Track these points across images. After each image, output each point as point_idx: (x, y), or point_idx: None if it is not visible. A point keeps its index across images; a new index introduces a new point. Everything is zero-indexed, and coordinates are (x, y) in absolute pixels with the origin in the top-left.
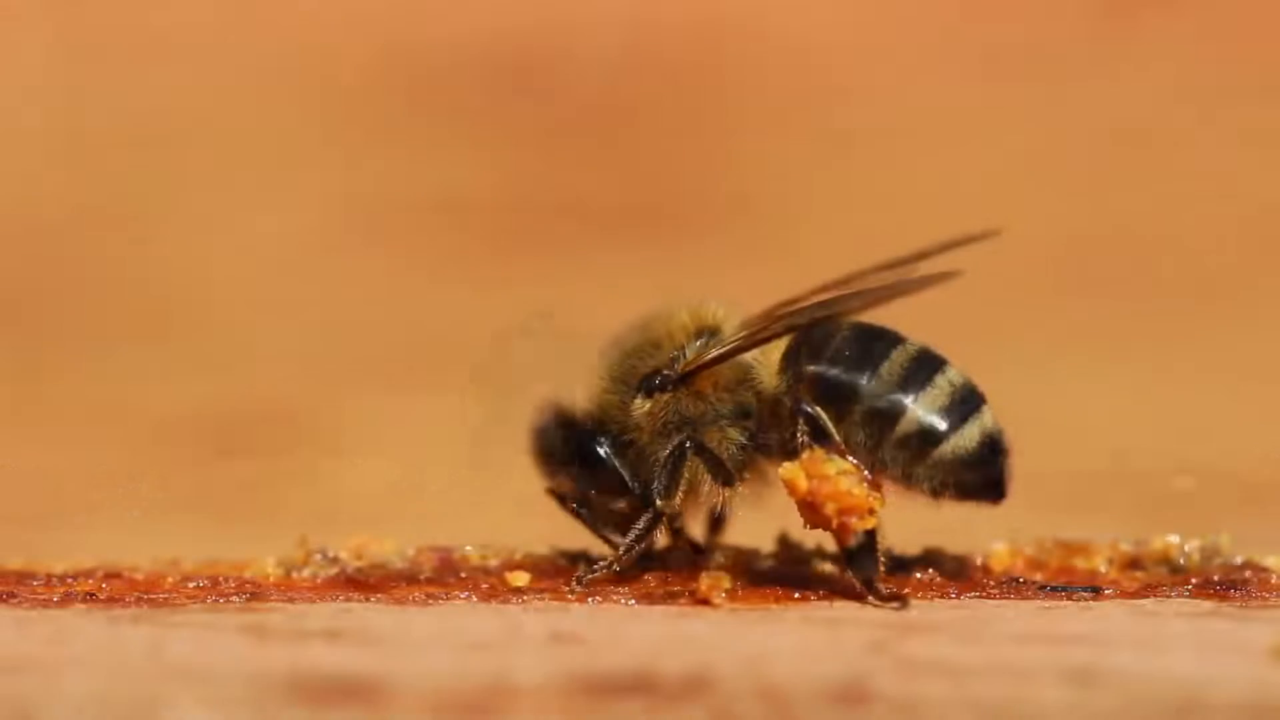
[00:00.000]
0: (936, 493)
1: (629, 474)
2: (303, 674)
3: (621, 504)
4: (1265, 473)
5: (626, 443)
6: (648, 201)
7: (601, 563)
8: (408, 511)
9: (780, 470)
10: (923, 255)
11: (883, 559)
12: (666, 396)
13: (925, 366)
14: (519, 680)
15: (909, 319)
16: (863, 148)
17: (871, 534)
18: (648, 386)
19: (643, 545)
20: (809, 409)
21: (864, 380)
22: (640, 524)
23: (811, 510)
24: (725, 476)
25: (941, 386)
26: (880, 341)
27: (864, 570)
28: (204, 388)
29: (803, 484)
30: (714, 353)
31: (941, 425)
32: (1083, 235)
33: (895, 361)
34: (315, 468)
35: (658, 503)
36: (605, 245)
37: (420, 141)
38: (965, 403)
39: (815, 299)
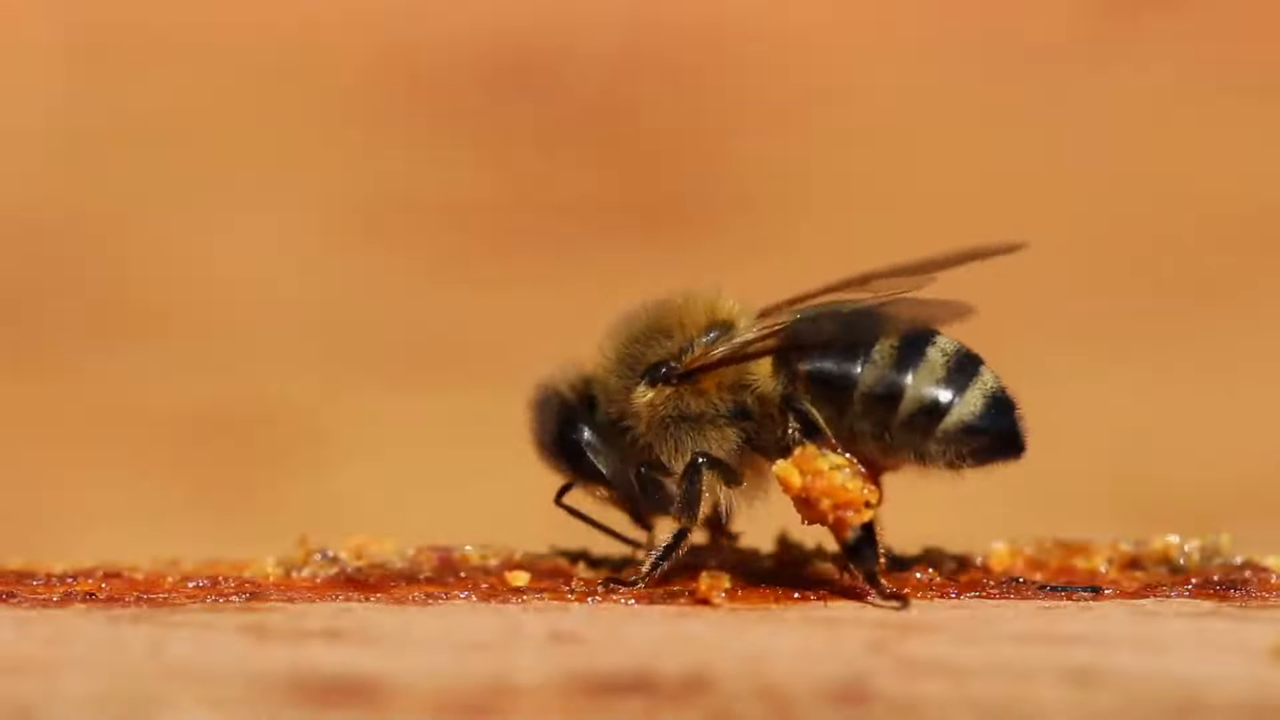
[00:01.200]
0: (954, 465)
1: (613, 461)
2: (303, 674)
3: (601, 492)
4: (1265, 472)
5: (623, 429)
6: (648, 201)
7: (628, 580)
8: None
9: (774, 467)
10: (943, 264)
11: (882, 555)
12: (669, 391)
13: (916, 342)
14: (519, 680)
15: None
16: (863, 148)
17: (869, 528)
18: (652, 377)
19: (668, 563)
20: (800, 405)
21: (858, 369)
22: (665, 541)
23: (807, 506)
24: (734, 482)
25: (935, 358)
26: (867, 325)
27: (864, 564)
28: (204, 387)
29: (797, 480)
30: (720, 353)
31: (944, 397)
32: (1082, 235)
33: (885, 343)
34: (315, 468)
35: (683, 521)
36: (605, 245)
37: (420, 141)
38: (962, 369)
39: (828, 297)
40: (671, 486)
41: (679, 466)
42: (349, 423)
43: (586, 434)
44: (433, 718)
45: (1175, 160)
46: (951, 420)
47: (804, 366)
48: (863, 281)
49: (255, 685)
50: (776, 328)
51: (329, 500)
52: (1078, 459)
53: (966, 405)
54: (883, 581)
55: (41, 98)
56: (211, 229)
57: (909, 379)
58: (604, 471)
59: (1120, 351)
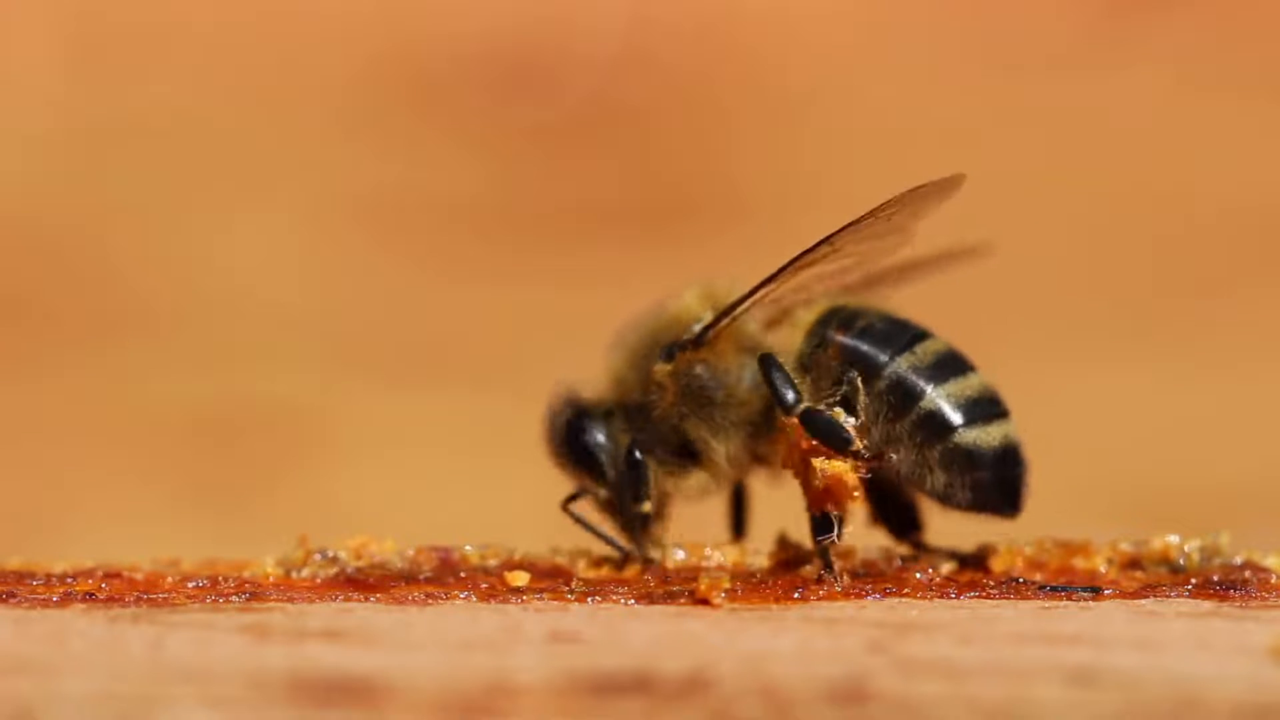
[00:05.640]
0: (949, 495)
1: (622, 455)
2: (303, 674)
3: (604, 494)
4: (1265, 473)
5: (648, 409)
6: (648, 201)
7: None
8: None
9: (784, 418)
10: (896, 204)
11: (839, 539)
12: (688, 355)
13: (956, 362)
14: (519, 680)
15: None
16: (863, 148)
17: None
18: (669, 353)
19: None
20: (851, 373)
21: (891, 356)
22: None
23: (801, 464)
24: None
25: (972, 382)
26: (911, 328)
27: (824, 537)
28: (204, 387)
29: (805, 441)
30: (728, 308)
31: (963, 415)
32: (1083, 235)
33: (927, 349)
34: (315, 468)
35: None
36: (605, 245)
37: (420, 141)
38: (992, 403)
39: (804, 266)
40: (665, 483)
41: (710, 445)
42: (348, 423)
43: (598, 435)
44: (432, 718)
45: (1175, 160)
46: (964, 437)
47: (840, 338)
48: (829, 246)
49: (255, 685)
50: (786, 265)
51: (329, 500)
52: (1077, 458)
53: (984, 433)
54: (834, 559)
55: (41, 98)
56: (211, 229)
57: (935, 384)
58: (606, 473)
59: (1119, 351)
